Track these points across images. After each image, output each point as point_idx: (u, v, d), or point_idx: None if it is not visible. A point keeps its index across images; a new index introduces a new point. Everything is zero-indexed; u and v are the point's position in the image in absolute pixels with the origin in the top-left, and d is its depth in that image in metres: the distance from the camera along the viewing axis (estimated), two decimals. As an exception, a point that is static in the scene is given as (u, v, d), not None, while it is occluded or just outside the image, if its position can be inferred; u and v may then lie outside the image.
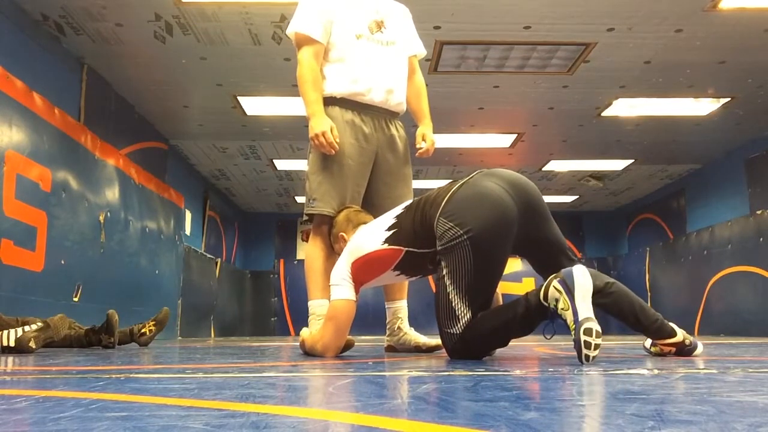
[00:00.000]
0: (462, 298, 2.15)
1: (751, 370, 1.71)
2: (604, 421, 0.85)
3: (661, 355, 2.30)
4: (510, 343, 2.79)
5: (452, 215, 2.18)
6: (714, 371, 1.65)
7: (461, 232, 2.13)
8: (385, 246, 2.35)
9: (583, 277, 1.95)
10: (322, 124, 2.75)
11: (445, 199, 2.23)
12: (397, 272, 2.41)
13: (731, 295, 7.40)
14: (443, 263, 2.19)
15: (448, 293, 2.17)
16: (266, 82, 5.79)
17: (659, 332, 2.23)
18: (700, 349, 2.27)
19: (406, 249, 2.32)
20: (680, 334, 2.24)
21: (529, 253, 2.36)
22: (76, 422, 0.83)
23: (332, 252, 2.83)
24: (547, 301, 2.01)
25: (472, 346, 2.18)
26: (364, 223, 2.63)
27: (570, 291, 1.93)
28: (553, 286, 1.98)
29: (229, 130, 7.14)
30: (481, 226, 2.13)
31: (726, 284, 7.52)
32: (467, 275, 2.14)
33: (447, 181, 3.00)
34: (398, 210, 2.45)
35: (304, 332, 2.71)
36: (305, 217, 2.91)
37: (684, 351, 2.25)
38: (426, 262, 2.33)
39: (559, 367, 1.81)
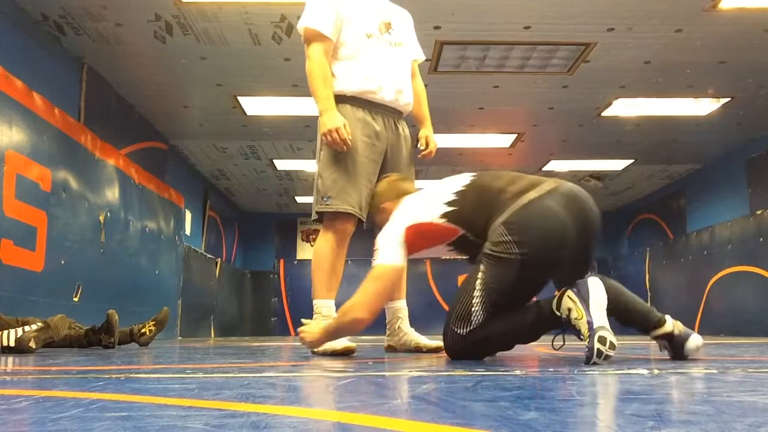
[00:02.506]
0: (484, 306, 2.09)
1: (751, 370, 1.71)
2: (604, 422, 0.85)
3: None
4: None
5: (514, 230, 2.07)
6: (714, 371, 1.65)
7: (517, 251, 2.05)
8: (443, 221, 2.25)
9: (597, 288, 1.93)
10: (334, 120, 2.71)
11: (514, 209, 2.11)
12: (450, 248, 2.33)
13: (731, 295, 7.40)
14: (483, 267, 2.11)
15: (473, 297, 2.10)
16: (266, 82, 5.79)
17: (645, 323, 2.12)
18: (698, 341, 2.09)
19: (463, 232, 2.24)
20: (669, 325, 2.09)
21: (562, 271, 2.23)
22: (76, 422, 0.83)
23: (342, 250, 2.82)
24: (559, 311, 2.00)
25: (474, 347, 2.14)
26: (409, 193, 2.53)
27: (585, 300, 1.92)
28: (567, 296, 1.97)
29: (229, 130, 7.14)
30: (538, 251, 2.06)
31: (726, 284, 7.52)
32: (502, 289, 2.08)
33: None
34: (457, 185, 2.31)
35: (309, 327, 2.48)
36: (315, 216, 2.87)
37: (674, 341, 2.09)
38: (477, 249, 2.21)
39: (559, 367, 1.82)
